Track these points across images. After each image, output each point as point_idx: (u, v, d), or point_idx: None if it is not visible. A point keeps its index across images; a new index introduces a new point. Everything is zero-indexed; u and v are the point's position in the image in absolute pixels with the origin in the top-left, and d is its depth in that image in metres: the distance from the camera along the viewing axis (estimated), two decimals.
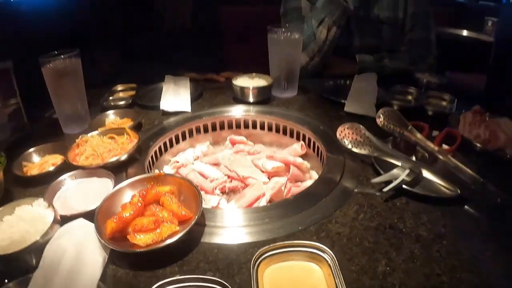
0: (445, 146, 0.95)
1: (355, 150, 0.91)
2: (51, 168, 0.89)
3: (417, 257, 0.63)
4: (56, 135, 1.10)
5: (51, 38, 1.37)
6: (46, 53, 1.03)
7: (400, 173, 0.81)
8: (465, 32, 3.33)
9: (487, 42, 2.96)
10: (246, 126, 1.22)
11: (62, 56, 1.03)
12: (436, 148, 0.90)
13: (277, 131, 1.19)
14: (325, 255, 0.61)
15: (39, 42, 1.22)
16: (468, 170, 0.81)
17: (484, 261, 0.63)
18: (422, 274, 0.60)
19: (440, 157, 0.87)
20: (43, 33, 1.44)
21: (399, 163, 0.84)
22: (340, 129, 0.94)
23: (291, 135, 1.16)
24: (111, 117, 1.15)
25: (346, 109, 1.17)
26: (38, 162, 0.95)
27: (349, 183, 0.84)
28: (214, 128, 1.22)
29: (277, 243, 0.63)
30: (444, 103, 1.22)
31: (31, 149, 0.97)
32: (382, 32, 1.63)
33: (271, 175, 1.02)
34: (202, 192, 0.96)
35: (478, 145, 0.94)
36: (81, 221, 0.69)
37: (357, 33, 1.62)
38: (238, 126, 1.23)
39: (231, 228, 0.72)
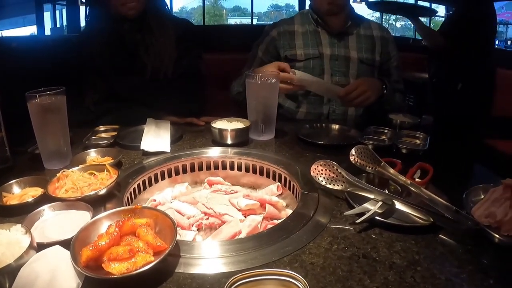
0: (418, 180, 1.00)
1: (329, 186, 0.95)
2: (31, 199, 0.89)
3: (391, 283, 0.65)
4: (37, 170, 1.11)
5: (38, 75, 1.41)
6: (32, 89, 1.05)
7: (372, 205, 0.85)
8: None
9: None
10: (224, 167, 1.25)
11: (48, 93, 1.06)
12: (409, 182, 0.94)
13: (254, 172, 1.22)
14: (298, 283, 0.62)
15: (26, 78, 1.25)
16: (441, 200, 0.85)
17: (460, 284, 0.65)
18: None
19: (413, 189, 0.91)
20: (30, 69, 1.47)
21: (371, 196, 0.88)
22: (313, 166, 0.98)
23: (268, 176, 1.19)
24: (92, 155, 1.17)
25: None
26: (18, 193, 0.95)
27: (323, 216, 0.87)
28: (192, 169, 1.24)
29: (250, 272, 0.64)
30: (417, 141, 1.29)
31: (12, 181, 0.98)
32: (362, 71, 1.78)
33: (246, 213, 1.04)
34: (178, 228, 0.98)
35: (497, 236, 0.76)
36: (57, 248, 0.69)
37: (336, 72, 1.78)
38: (216, 167, 1.25)
39: (206, 260, 0.73)
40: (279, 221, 1.02)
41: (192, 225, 0.99)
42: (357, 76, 1.76)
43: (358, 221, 0.82)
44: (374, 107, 1.66)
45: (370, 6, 3.57)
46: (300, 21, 1.85)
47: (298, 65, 1.77)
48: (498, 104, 3.03)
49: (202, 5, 9.01)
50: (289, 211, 1.06)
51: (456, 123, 2.87)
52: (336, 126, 1.49)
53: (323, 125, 1.50)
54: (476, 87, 2.94)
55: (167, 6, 1.84)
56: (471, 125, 2.95)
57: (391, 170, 0.99)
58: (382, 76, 1.81)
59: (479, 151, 2.56)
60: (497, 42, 7.20)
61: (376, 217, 0.82)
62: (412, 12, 3.15)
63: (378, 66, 1.82)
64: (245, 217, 1.02)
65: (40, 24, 5.40)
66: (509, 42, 7.41)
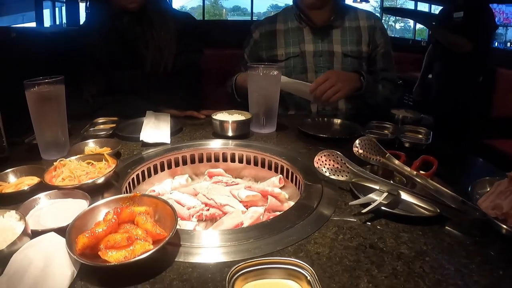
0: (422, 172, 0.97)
1: (332, 177, 0.92)
2: (26, 188, 0.87)
3: (400, 273, 0.63)
4: (34, 160, 1.08)
5: (37, 67, 1.39)
6: (31, 78, 1.03)
7: (378, 196, 0.83)
8: None
9: None
10: (225, 159, 1.23)
11: (46, 81, 1.03)
12: (414, 172, 0.92)
13: (256, 164, 1.20)
14: (304, 272, 0.60)
15: (24, 69, 1.23)
16: (447, 191, 0.83)
17: (469, 274, 0.64)
18: None
19: (418, 180, 0.90)
20: (29, 61, 1.45)
21: (377, 187, 0.86)
22: (317, 157, 0.95)
23: (269, 168, 1.17)
24: (90, 145, 1.15)
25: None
26: (14, 182, 0.93)
27: (327, 207, 0.84)
28: (193, 161, 1.22)
29: (254, 260, 0.61)
30: (420, 136, 1.27)
31: (8, 170, 0.96)
32: (348, 65, 1.73)
33: (247, 204, 1.02)
34: (178, 218, 0.95)
35: (504, 227, 0.74)
36: (52, 235, 0.67)
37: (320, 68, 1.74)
38: (216, 159, 1.23)
39: (207, 249, 0.71)
40: (281, 213, 1.00)
41: (192, 216, 0.97)
42: (342, 70, 1.71)
43: (363, 211, 0.80)
44: (356, 101, 1.65)
45: (385, 11, 3.57)
46: (283, 19, 1.81)
47: (280, 65, 1.74)
48: (498, 103, 3.03)
49: (202, 4, 9.00)
50: (291, 203, 1.04)
51: (456, 124, 2.85)
52: (338, 120, 1.47)
53: (325, 119, 1.49)
54: (478, 87, 2.93)
55: (168, 0, 1.82)
56: (472, 125, 2.95)
57: (396, 162, 0.96)
58: (371, 66, 1.78)
59: (479, 150, 2.55)
60: (496, 44, 7.22)
61: (382, 208, 0.80)
62: (427, 19, 3.05)
63: (367, 57, 1.76)
64: (246, 208, 1.00)
65: (40, 21, 5.38)
66: (508, 44, 7.41)
